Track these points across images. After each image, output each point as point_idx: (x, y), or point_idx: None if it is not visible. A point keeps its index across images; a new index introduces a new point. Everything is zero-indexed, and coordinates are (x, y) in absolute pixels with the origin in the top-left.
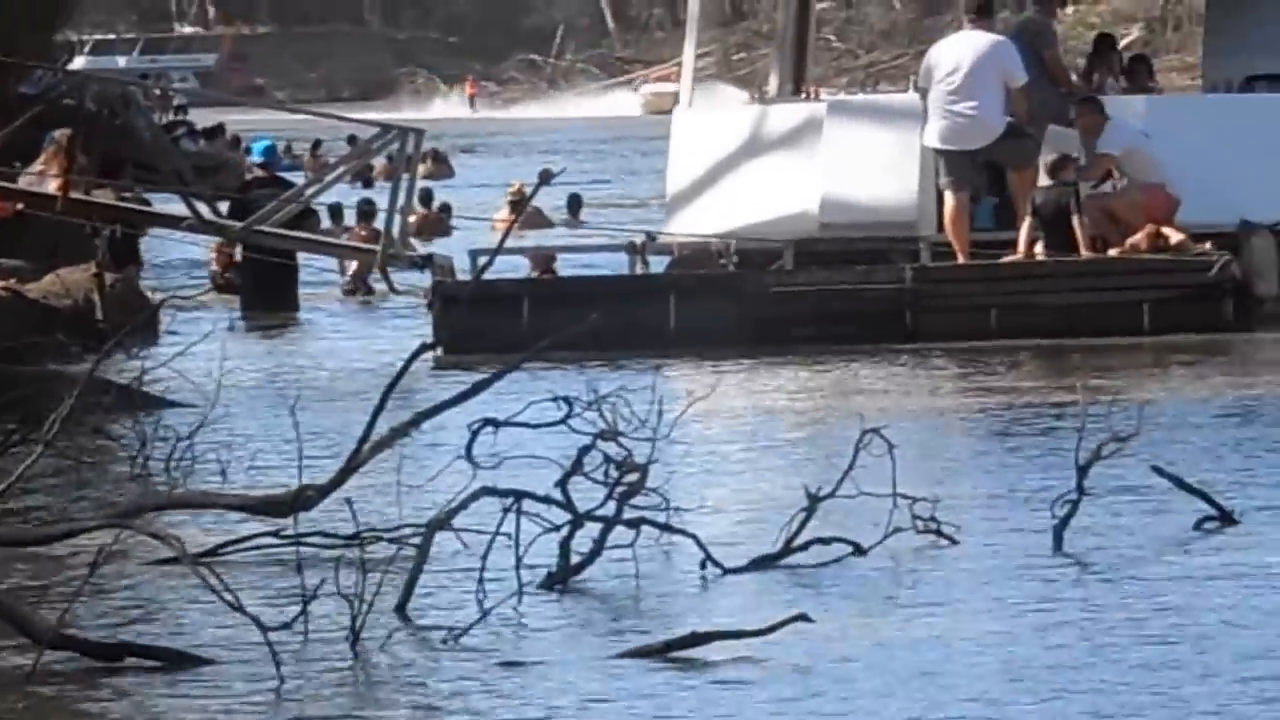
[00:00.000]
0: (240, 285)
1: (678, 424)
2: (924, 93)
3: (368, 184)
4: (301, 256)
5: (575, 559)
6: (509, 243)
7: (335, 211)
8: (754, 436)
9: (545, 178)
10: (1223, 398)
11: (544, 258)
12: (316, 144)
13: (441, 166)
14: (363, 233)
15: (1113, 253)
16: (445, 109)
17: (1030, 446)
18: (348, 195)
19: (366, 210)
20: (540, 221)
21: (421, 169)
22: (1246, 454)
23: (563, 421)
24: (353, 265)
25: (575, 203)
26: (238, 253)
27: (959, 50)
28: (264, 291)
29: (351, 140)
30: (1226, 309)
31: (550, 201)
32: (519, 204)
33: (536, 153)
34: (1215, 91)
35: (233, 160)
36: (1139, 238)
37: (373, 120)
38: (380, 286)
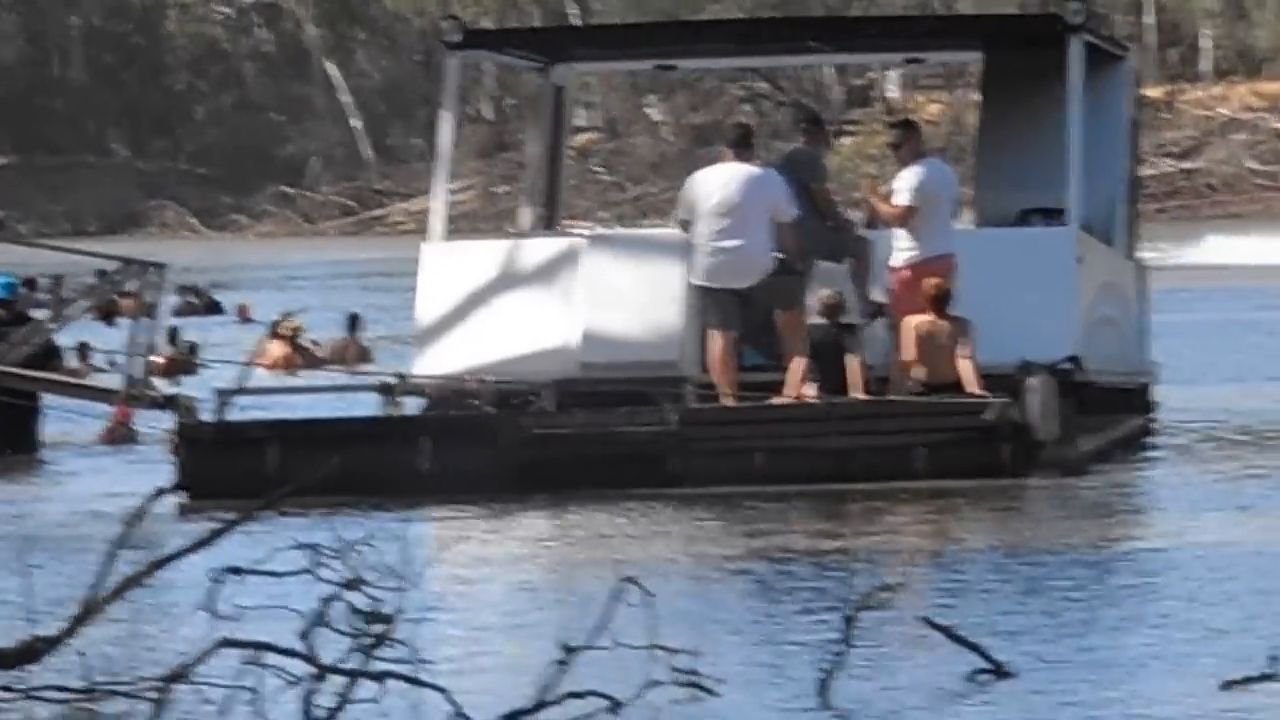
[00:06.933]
0: None
1: (428, 572)
2: (685, 225)
3: (109, 320)
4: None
5: (319, 713)
6: (268, 382)
7: (82, 350)
8: (508, 585)
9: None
10: (997, 546)
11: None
12: (58, 279)
13: (204, 299)
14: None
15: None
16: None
17: (797, 596)
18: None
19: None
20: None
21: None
22: (1019, 604)
23: (308, 570)
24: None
25: (354, 322)
26: None
27: (722, 183)
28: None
29: (100, 275)
30: (1004, 453)
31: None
32: (291, 339)
33: (291, 288)
34: (989, 226)
35: None
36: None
37: (113, 255)
38: (140, 429)
